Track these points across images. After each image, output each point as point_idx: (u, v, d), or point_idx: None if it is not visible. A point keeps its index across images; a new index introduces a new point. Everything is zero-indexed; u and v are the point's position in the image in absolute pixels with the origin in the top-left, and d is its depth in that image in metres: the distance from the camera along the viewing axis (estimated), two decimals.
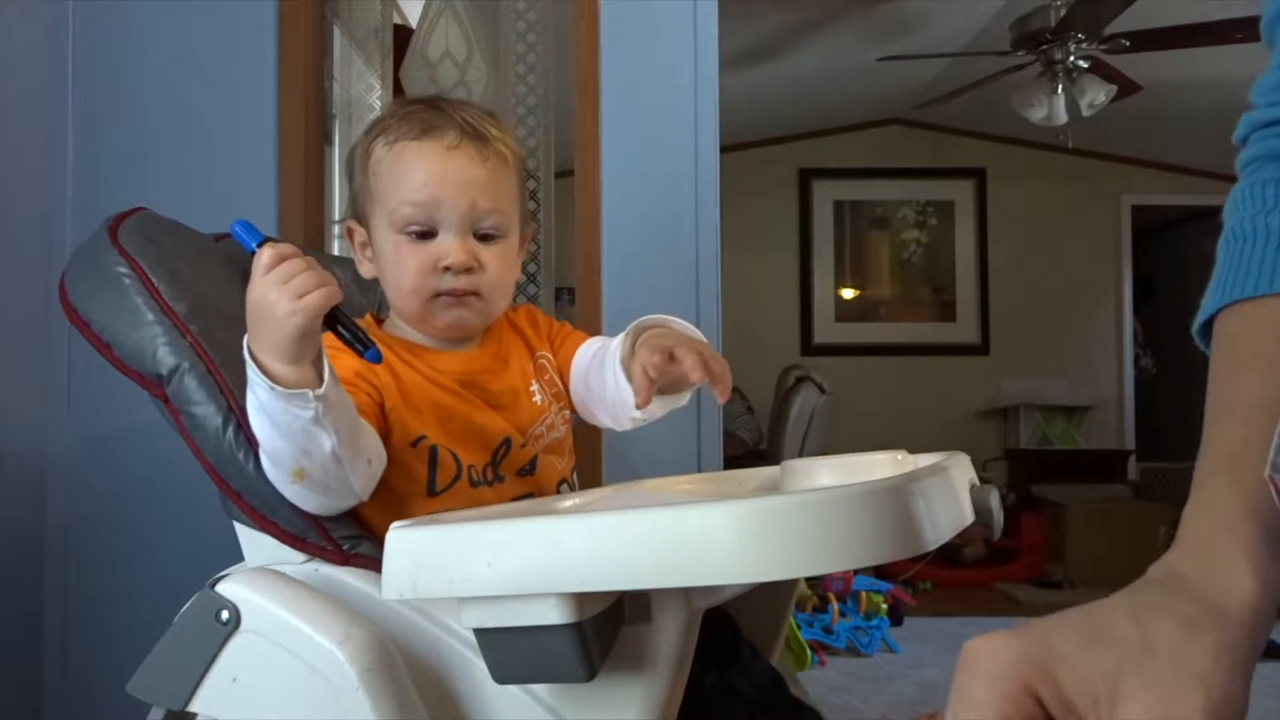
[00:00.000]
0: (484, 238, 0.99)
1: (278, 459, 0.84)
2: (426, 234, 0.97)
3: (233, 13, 1.84)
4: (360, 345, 0.82)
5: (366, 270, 1.03)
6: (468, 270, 0.97)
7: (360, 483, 0.87)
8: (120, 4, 1.83)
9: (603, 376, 1.02)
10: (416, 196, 0.96)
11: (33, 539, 1.75)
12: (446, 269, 0.96)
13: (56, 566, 1.76)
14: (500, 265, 1.00)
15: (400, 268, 0.97)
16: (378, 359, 0.85)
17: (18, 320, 1.72)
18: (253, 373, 0.80)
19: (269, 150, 1.83)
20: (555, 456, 1.05)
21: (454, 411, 0.98)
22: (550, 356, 1.09)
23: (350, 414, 0.85)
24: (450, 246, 0.96)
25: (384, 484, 0.92)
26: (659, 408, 0.99)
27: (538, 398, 1.05)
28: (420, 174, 0.96)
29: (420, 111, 0.98)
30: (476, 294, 0.99)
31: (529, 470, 1.02)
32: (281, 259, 0.80)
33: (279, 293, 0.78)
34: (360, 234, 1.02)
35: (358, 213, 1.02)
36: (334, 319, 0.82)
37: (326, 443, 0.81)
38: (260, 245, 0.82)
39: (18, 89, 1.75)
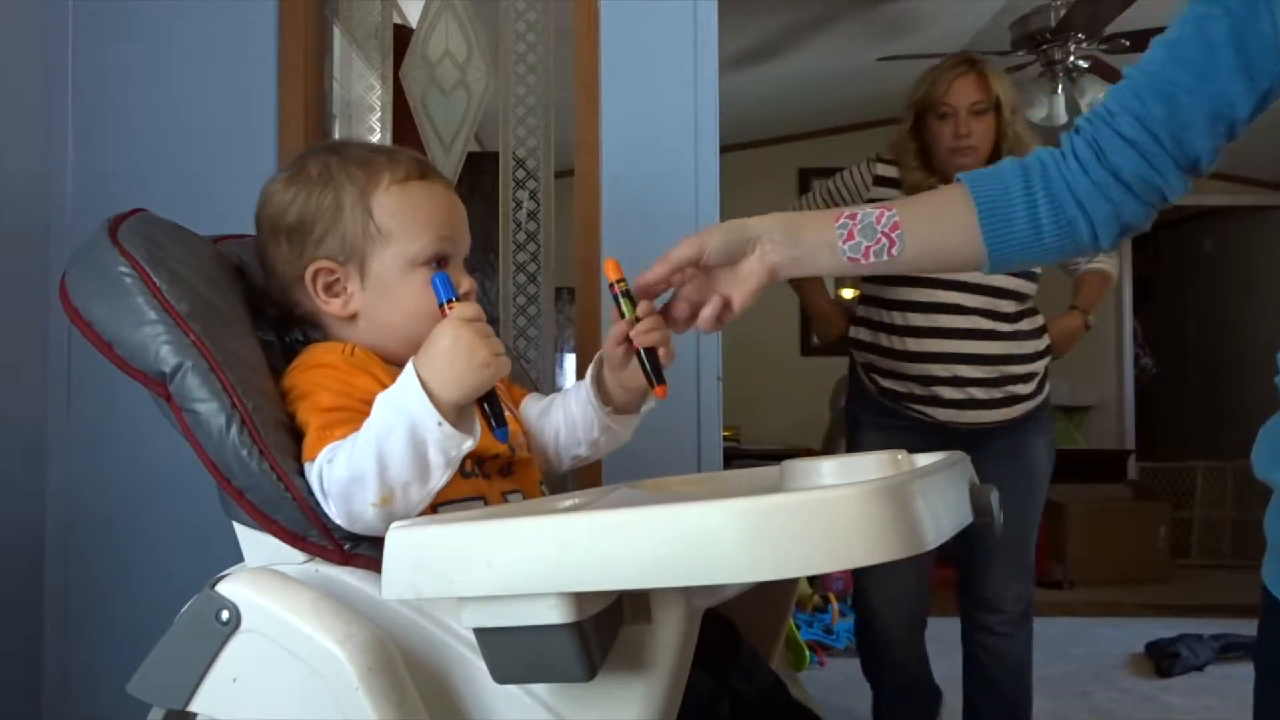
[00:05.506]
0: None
1: (380, 479, 0.84)
2: (441, 265, 1.01)
3: (233, 13, 1.84)
4: (495, 420, 0.90)
5: (338, 308, 1.01)
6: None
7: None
8: (120, 4, 1.83)
9: (559, 410, 1.13)
10: (443, 231, 1.01)
11: (33, 538, 1.75)
12: (465, 294, 1.00)
13: (56, 566, 1.76)
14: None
15: (424, 296, 0.98)
16: (506, 439, 0.92)
17: (18, 320, 1.72)
18: (417, 399, 0.84)
19: (269, 150, 1.83)
20: (528, 464, 1.09)
21: None
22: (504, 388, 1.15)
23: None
24: (461, 275, 1.03)
25: None
26: (621, 426, 1.10)
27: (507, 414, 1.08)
28: (442, 211, 1.03)
29: (400, 154, 1.04)
30: None
31: (508, 470, 1.04)
32: (480, 318, 0.90)
33: (483, 342, 0.87)
34: (341, 273, 1.01)
35: (344, 253, 1.00)
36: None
37: (434, 483, 0.86)
38: (454, 300, 0.92)
39: (18, 89, 1.75)
